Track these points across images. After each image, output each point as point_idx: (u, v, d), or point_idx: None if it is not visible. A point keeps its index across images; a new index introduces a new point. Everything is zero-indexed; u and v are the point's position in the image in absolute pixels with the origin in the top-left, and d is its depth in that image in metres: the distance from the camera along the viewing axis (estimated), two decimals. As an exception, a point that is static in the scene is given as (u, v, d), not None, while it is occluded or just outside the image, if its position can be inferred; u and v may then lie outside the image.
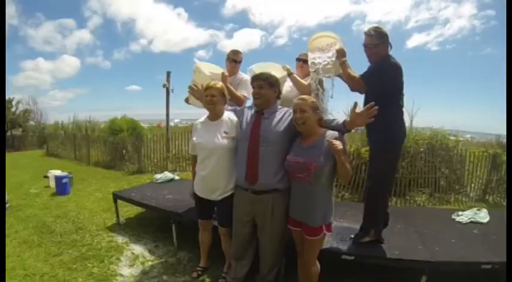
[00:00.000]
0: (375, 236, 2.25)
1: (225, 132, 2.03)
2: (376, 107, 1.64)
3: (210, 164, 2.08)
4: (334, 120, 1.82)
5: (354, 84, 2.20)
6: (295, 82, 2.43)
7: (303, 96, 1.81)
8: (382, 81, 2.07)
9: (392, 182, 2.45)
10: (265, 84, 1.88)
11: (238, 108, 2.25)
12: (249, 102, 2.44)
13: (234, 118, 2.08)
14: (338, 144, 1.60)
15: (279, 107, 2.00)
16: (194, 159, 2.24)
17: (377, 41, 2.12)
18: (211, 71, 2.48)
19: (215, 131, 2.06)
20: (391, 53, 2.15)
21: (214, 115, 2.11)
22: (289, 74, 2.41)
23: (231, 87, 2.46)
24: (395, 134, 2.17)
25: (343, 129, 1.74)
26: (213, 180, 2.10)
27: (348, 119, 1.74)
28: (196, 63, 2.50)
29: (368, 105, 1.66)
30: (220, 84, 2.14)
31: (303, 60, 2.49)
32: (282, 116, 1.91)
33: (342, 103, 5.88)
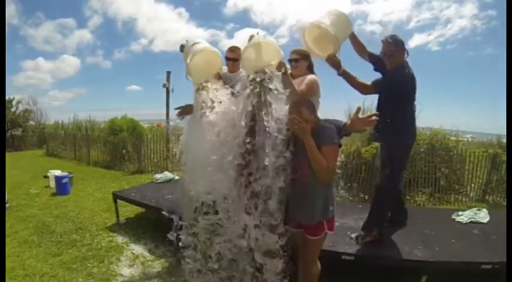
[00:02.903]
0: (377, 235, 2.27)
1: None
2: (377, 118, 1.65)
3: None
4: (336, 121, 1.81)
5: (364, 90, 2.25)
6: (286, 84, 2.02)
7: (296, 98, 1.77)
8: (403, 92, 2.19)
9: (400, 182, 2.54)
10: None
11: None
12: None
13: None
14: (297, 121, 1.55)
15: None
16: None
17: (394, 48, 2.19)
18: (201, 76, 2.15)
19: None
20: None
21: None
22: (283, 73, 1.98)
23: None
24: (406, 136, 2.29)
25: (342, 129, 1.73)
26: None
27: (349, 122, 1.74)
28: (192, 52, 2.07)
29: (371, 113, 1.67)
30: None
31: (294, 60, 2.26)
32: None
33: (342, 103, 5.91)
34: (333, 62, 2.10)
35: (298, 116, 1.62)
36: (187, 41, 2.23)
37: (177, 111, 2.25)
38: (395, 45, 2.20)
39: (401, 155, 2.34)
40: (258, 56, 1.96)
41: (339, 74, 2.13)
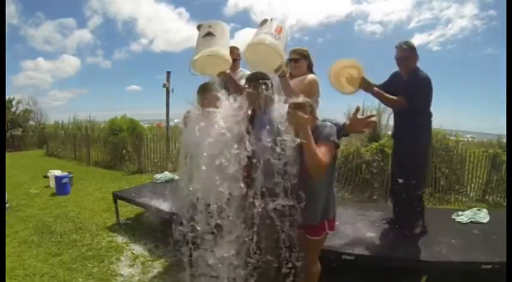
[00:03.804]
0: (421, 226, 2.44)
1: None
2: (375, 119, 1.67)
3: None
4: (335, 121, 1.81)
5: (396, 105, 2.36)
6: (284, 86, 2.11)
7: (295, 99, 1.76)
8: (421, 95, 2.30)
9: (423, 180, 2.78)
10: (260, 84, 1.84)
11: None
12: None
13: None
14: (294, 113, 1.57)
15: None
16: None
17: (408, 53, 2.31)
18: (205, 72, 2.21)
19: None
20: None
21: None
22: (281, 76, 2.05)
23: (234, 79, 2.34)
24: (424, 137, 2.44)
25: (341, 129, 1.73)
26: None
27: (348, 122, 1.74)
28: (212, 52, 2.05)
29: (369, 115, 1.68)
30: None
31: (294, 60, 2.27)
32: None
33: (342, 103, 5.90)
34: (366, 84, 2.25)
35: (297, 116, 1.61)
36: (204, 24, 2.17)
37: (183, 115, 2.26)
38: (409, 51, 2.32)
39: (422, 156, 2.49)
40: (263, 56, 1.97)
41: (374, 95, 2.29)
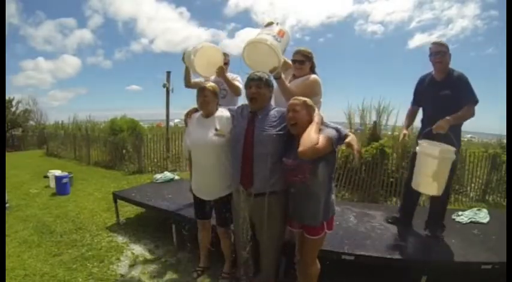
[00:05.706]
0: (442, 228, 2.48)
1: (216, 129, 2.01)
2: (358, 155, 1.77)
3: (201, 161, 2.08)
4: (337, 128, 1.81)
5: (471, 114, 2.32)
6: (282, 88, 2.09)
7: (298, 96, 1.77)
8: (467, 91, 2.31)
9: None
10: (262, 84, 1.85)
11: (234, 108, 2.19)
12: (240, 102, 2.43)
13: (228, 115, 2.06)
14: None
15: (273, 106, 1.94)
16: (190, 155, 2.24)
17: (445, 49, 2.34)
18: (205, 72, 2.38)
19: (207, 128, 2.04)
20: None
21: (207, 112, 2.10)
22: (277, 78, 2.04)
23: (229, 78, 2.48)
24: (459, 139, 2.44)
25: (343, 138, 1.73)
26: (205, 179, 2.09)
27: (348, 138, 1.74)
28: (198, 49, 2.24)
29: (358, 151, 1.73)
30: (210, 84, 2.15)
31: (298, 62, 2.24)
32: (276, 115, 1.86)
33: (342, 102, 5.90)
34: (444, 125, 2.20)
35: (293, 114, 1.69)
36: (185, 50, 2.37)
37: (185, 114, 2.31)
38: (445, 47, 2.34)
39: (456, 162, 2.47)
40: (261, 55, 2.00)
41: (454, 123, 2.26)
